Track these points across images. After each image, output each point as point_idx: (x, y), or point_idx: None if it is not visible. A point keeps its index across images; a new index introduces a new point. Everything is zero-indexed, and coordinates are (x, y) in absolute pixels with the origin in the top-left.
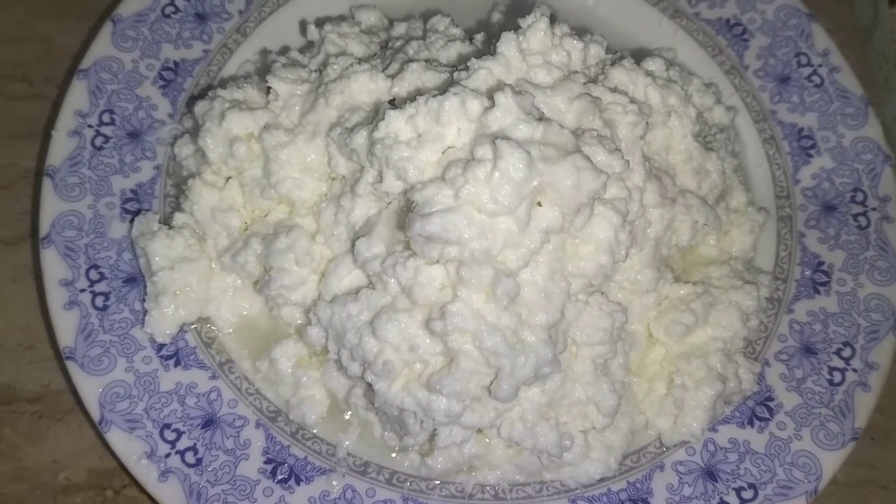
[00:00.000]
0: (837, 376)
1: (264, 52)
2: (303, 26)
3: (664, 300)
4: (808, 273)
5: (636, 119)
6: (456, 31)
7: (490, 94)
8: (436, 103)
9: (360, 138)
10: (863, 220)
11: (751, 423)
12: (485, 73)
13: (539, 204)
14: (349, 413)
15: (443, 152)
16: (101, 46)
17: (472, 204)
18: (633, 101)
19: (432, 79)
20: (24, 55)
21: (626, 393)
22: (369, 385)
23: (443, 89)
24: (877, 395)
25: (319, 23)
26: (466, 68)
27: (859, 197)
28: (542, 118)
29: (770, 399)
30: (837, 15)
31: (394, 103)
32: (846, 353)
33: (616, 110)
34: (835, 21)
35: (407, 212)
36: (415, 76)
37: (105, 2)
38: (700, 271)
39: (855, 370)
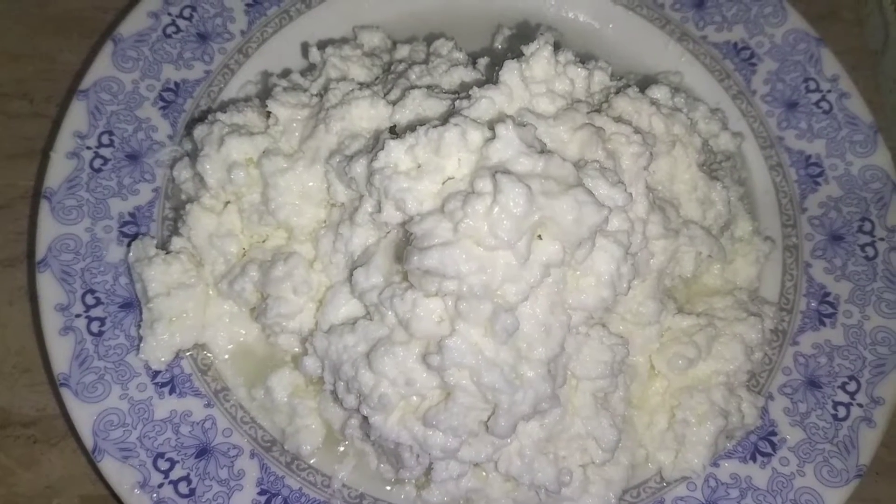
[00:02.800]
0: (842, 411)
1: (265, 74)
2: (304, 48)
3: (667, 332)
4: (813, 304)
5: (640, 150)
6: (459, 56)
7: (492, 125)
8: (436, 134)
9: (360, 167)
10: (870, 251)
11: (753, 459)
12: (487, 102)
13: (539, 237)
14: (345, 444)
15: (442, 183)
16: (102, 67)
17: (471, 238)
18: (637, 131)
19: (434, 106)
20: (25, 73)
21: (627, 426)
22: (365, 417)
23: (444, 118)
24: (882, 431)
25: (321, 45)
26: (468, 96)
27: (867, 227)
28: (543, 150)
29: (773, 434)
30: (847, 38)
31: (394, 131)
32: (851, 387)
33: (619, 141)
34: (844, 44)
35: (405, 243)
36: (416, 103)
37: (107, 20)
38: (704, 301)
39: (860, 405)
